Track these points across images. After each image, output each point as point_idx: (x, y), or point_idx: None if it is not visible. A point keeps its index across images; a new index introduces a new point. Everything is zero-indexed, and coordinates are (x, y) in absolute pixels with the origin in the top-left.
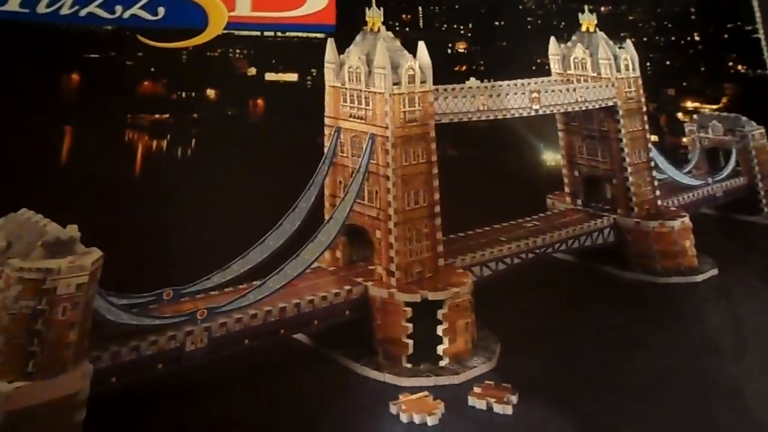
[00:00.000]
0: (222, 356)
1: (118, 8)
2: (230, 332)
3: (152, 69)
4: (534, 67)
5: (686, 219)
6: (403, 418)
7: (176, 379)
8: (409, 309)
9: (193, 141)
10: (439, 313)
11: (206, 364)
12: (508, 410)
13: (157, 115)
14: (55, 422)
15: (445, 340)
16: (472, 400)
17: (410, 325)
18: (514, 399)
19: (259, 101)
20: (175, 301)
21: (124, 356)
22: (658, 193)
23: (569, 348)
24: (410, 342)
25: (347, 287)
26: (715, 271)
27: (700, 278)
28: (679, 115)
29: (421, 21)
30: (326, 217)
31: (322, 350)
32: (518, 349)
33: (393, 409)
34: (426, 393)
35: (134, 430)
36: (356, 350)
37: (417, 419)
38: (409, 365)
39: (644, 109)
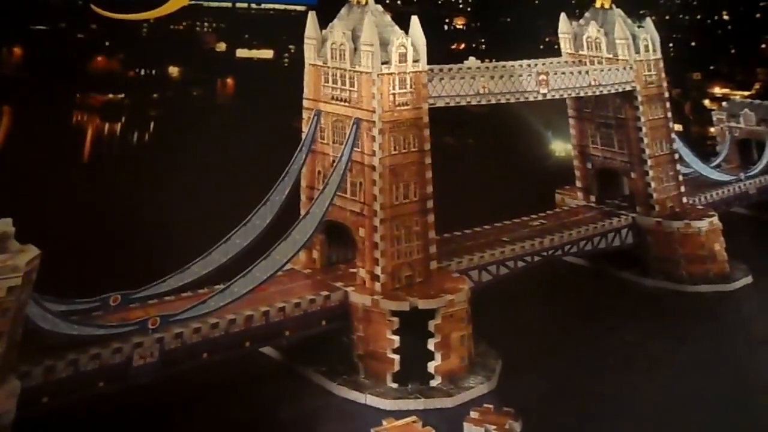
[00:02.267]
0: (176, 373)
1: None
2: (186, 344)
3: (107, 43)
4: (542, 47)
5: (715, 219)
6: None
7: (120, 400)
8: (395, 319)
9: (152, 124)
10: (431, 325)
11: (157, 383)
12: None
13: (110, 95)
14: None
15: (437, 355)
16: (468, 428)
17: (397, 338)
18: (518, 426)
19: (229, 80)
20: (124, 308)
21: (59, 372)
22: (682, 189)
23: (581, 367)
24: (396, 357)
25: (324, 293)
26: (749, 279)
27: (732, 287)
28: (706, 102)
29: None
30: (302, 212)
31: (293, 366)
32: (522, 368)
33: None
34: (414, 418)
35: None
36: (333, 367)
37: None
38: (394, 385)
39: (666, 94)
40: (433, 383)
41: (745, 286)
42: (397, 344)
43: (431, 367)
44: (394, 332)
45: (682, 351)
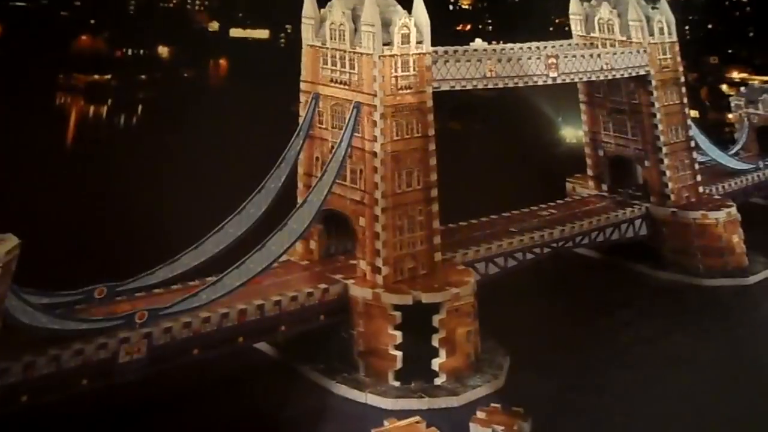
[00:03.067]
0: (164, 370)
1: None
2: (176, 340)
3: (92, 21)
4: (552, 28)
5: (733, 209)
6: None
7: (105, 398)
8: (398, 313)
9: (140, 107)
10: (435, 319)
11: (144, 380)
12: None
13: (96, 76)
14: None
15: (442, 352)
16: (474, 428)
17: (399, 334)
18: (527, 427)
19: (222, 61)
20: (110, 301)
21: (40, 369)
22: (699, 178)
23: (593, 365)
24: (399, 354)
25: (323, 286)
26: None
27: (751, 280)
28: (724, 87)
29: None
30: (299, 200)
31: (289, 363)
32: (531, 365)
33: None
34: (417, 418)
35: None
36: (332, 364)
37: None
38: (396, 383)
39: (682, 79)
40: (438, 381)
41: (764, 279)
42: (399, 340)
43: (435, 364)
44: (397, 327)
45: (699, 348)
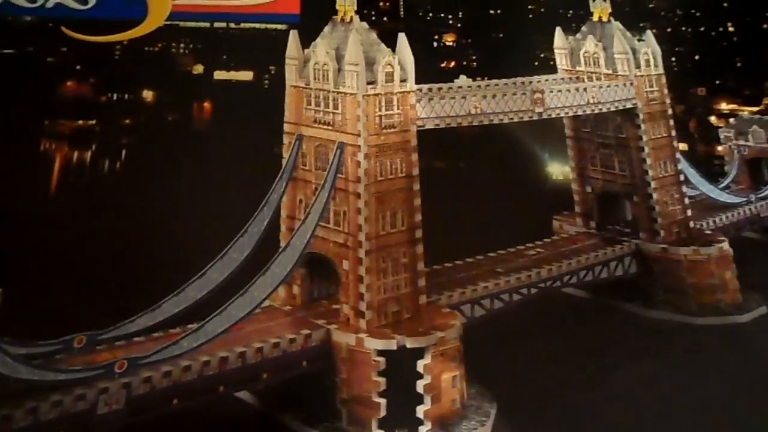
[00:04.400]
0: (144, 421)
1: None
2: (156, 390)
3: (77, 66)
4: (537, 63)
5: (725, 244)
6: None
7: None
8: (381, 359)
9: (123, 152)
10: (420, 365)
11: None
12: None
13: (80, 121)
14: None
15: (427, 399)
16: None
17: (383, 380)
18: None
19: (206, 104)
20: (89, 350)
21: (17, 422)
22: (689, 213)
23: (583, 410)
24: (383, 402)
25: (305, 332)
26: (763, 309)
27: (745, 318)
28: (713, 119)
29: (401, 9)
30: (282, 243)
31: (270, 412)
32: (519, 411)
33: None
34: None
35: None
36: (314, 413)
37: None
38: None
39: (670, 111)
40: (423, 430)
41: (759, 316)
42: (383, 387)
43: (420, 411)
44: (380, 374)
45: (694, 389)
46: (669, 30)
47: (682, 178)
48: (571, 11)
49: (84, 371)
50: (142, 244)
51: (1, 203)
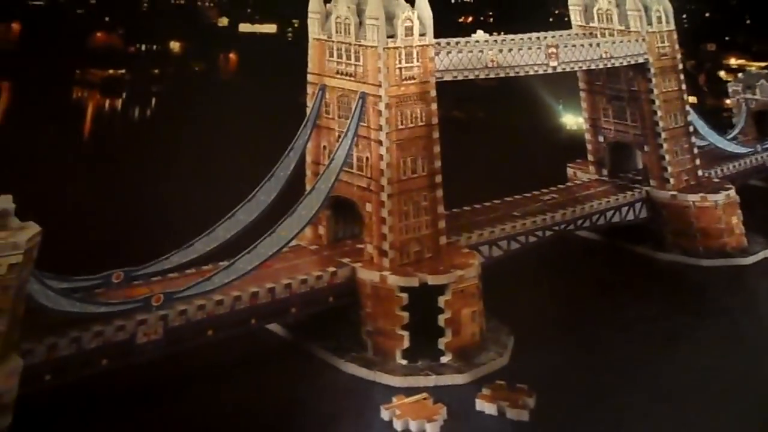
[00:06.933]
0: (180, 350)
1: None
2: (191, 322)
3: (107, 18)
4: (551, 19)
5: (732, 192)
6: (397, 425)
7: (124, 377)
8: (404, 295)
9: (153, 100)
10: (441, 300)
11: (161, 360)
12: (524, 416)
13: (110, 71)
14: None
15: (448, 332)
16: (480, 404)
17: (406, 314)
18: (531, 402)
19: (232, 55)
20: (127, 285)
21: (62, 350)
22: (698, 162)
23: (595, 342)
24: (406, 334)
25: (331, 269)
26: (767, 252)
27: (750, 260)
28: (722, 73)
29: None
30: (308, 187)
31: (300, 344)
32: (535, 344)
33: (385, 415)
34: (425, 395)
35: None
36: (341, 344)
37: (414, 427)
38: (404, 362)
39: (680, 66)
40: (444, 360)
41: (763, 259)
42: (406, 321)
43: (441, 343)
44: (403, 308)
45: (700, 326)
46: None
47: (691, 129)
48: None
49: (123, 304)
50: (174, 186)
51: (39, 149)
